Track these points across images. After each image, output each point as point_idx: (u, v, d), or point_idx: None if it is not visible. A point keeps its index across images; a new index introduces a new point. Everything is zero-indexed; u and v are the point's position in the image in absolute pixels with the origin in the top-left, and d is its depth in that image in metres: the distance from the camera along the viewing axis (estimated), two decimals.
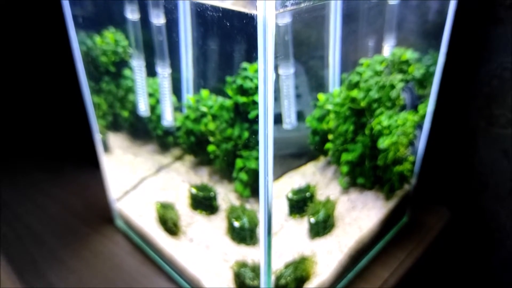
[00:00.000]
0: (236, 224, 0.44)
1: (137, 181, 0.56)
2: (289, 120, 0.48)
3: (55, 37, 0.61)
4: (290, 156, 0.56)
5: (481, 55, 0.54)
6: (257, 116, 0.46)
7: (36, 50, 0.74)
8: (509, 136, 0.54)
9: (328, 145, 0.52)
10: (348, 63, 0.54)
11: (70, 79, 0.57)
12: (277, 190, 0.49)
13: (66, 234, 0.56)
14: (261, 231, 0.35)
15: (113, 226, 0.57)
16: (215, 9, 0.31)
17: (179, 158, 0.56)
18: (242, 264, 0.41)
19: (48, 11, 0.65)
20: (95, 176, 0.65)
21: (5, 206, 0.61)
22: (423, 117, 0.49)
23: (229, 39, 0.50)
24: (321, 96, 0.52)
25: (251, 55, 0.45)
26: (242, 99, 0.46)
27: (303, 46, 0.57)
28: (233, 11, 0.28)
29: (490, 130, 0.56)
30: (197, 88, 0.55)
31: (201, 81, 0.54)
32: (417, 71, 0.48)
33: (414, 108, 0.49)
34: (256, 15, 0.25)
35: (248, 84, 0.46)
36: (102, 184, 0.57)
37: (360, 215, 0.49)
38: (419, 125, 0.50)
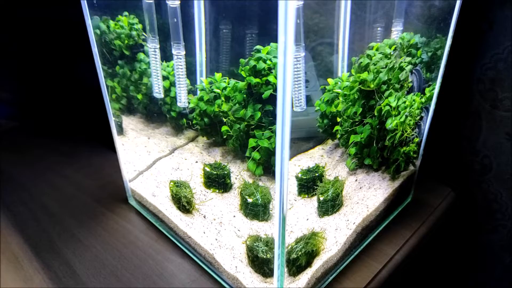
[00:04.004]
0: (250, 200, 0.45)
1: (151, 162, 0.57)
2: (299, 103, 0.49)
3: (70, 20, 0.62)
4: (299, 139, 0.57)
5: (487, 38, 0.55)
6: (270, 96, 0.47)
7: (51, 35, 0.75)
8: None
9: (337, 128, 0.53)
10: (356, 49, 0.55)
11: (84, 64, 0.58)
12: None
13: (81, 214, 0.57)
14: (276, 202, 0.36)
15: (127, 206, 0.59)
16: None
17: (192, 139, 0.58)
18: (256, 238, 0.43)
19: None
20: (108, 159, 0.67)
21: (22, 188, 0.63)
22: (430, 99, 0.51)
23: (245, 20, 0.51)
24: (330, 80, 0.53)
25: (267, 37, 0.46)
26: (255, 80, 0.47)
27: (312, 31, 0.58)
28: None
29: (494, 113, 0.57)
30: (210, 71, 0.57)
31: (215, 60, 0.55)
32: (425, 54, 0.49)
33: (422, 91, 0.50)
34: None
35: (261, 65, 0.47)
36: (115, 166, 0.59)
37: (367, 195, 0.51)
38: (425, 107, 0.51)
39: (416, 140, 0.51)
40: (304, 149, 0.56)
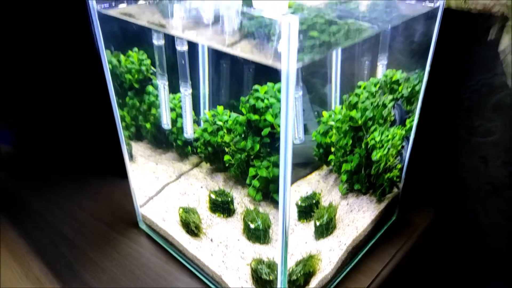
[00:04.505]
0: (252, 226, 0.50)
1: (159, 187, 0.62)
2: (298, 136, 0.55)
3: (84, 54, 0.65)
4: (298, 166, 0.62)
5: (463, 72, 0.60)
6: (269, 133, 0.52)
7: (64, 67, 0.78)
8: (487, 144, 0.61)
9: (331, 157, 0.58)
10: (347, 84, 0.61)
11: (97, 98, 0.62)
12: None
13: (96, 238, 0.61)
14: (279, 232, 0.41)
15: (138, 230, 0.63)
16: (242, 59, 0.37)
17: (196, 165, 0.63)
18: (259, 261, 0.48)
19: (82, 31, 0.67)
20: (117, 185, 0.71)
21: (38, 215, 0.67)
22: (410, 129, 0.56)
23: (243, 59, 0.56)
24: (325, 113, 0.59)
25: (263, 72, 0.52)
26: (254, 117, 0.53)
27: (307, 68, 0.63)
28: (259, 64, 0.33)
29: (470, 139, 0.63)
30: (212, 104, 0.62)
31: (216, 95, 0.60)
32: (405, 90, 0.55)
33: (403, 122, 0.56)
34: (281, 69, 0.32)
35: (260, 104, 0.52)
36: (124, 192, 0.63)
37: (357, 217, 0.56)
38: (406, 137, 0.57)
39: (399, 166, 0.57)
40: (302, 175, 0.62)
